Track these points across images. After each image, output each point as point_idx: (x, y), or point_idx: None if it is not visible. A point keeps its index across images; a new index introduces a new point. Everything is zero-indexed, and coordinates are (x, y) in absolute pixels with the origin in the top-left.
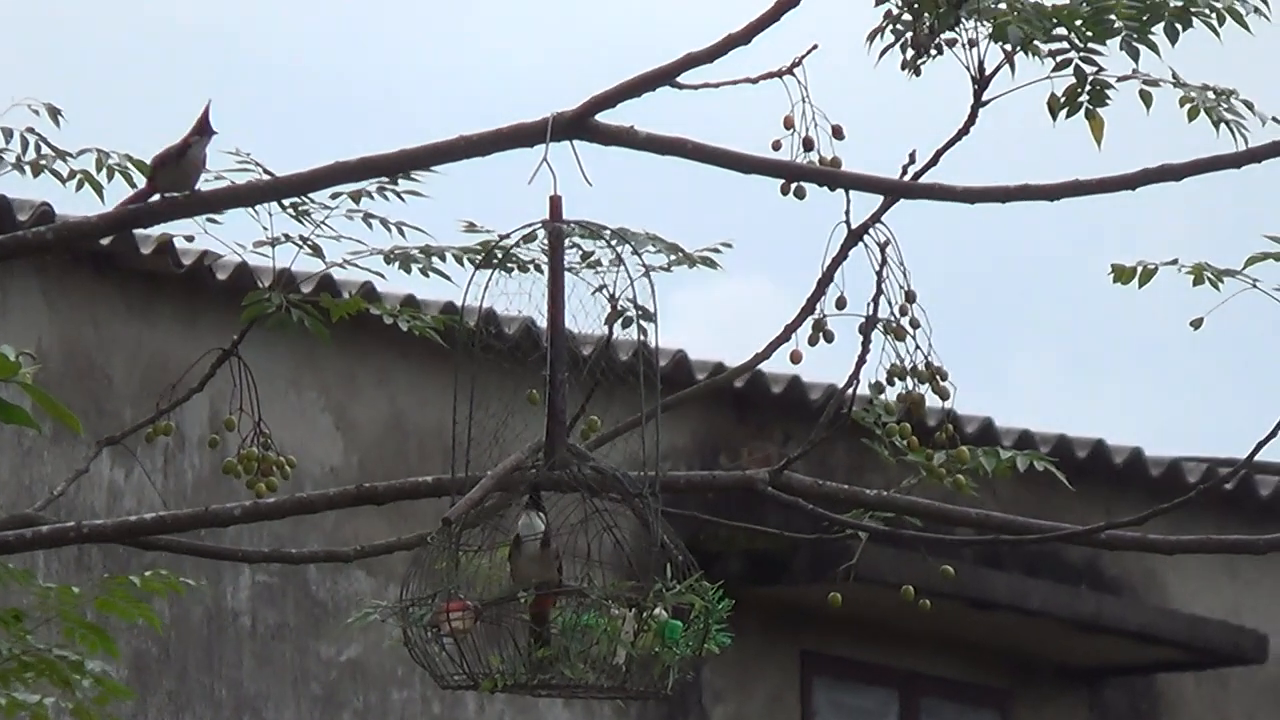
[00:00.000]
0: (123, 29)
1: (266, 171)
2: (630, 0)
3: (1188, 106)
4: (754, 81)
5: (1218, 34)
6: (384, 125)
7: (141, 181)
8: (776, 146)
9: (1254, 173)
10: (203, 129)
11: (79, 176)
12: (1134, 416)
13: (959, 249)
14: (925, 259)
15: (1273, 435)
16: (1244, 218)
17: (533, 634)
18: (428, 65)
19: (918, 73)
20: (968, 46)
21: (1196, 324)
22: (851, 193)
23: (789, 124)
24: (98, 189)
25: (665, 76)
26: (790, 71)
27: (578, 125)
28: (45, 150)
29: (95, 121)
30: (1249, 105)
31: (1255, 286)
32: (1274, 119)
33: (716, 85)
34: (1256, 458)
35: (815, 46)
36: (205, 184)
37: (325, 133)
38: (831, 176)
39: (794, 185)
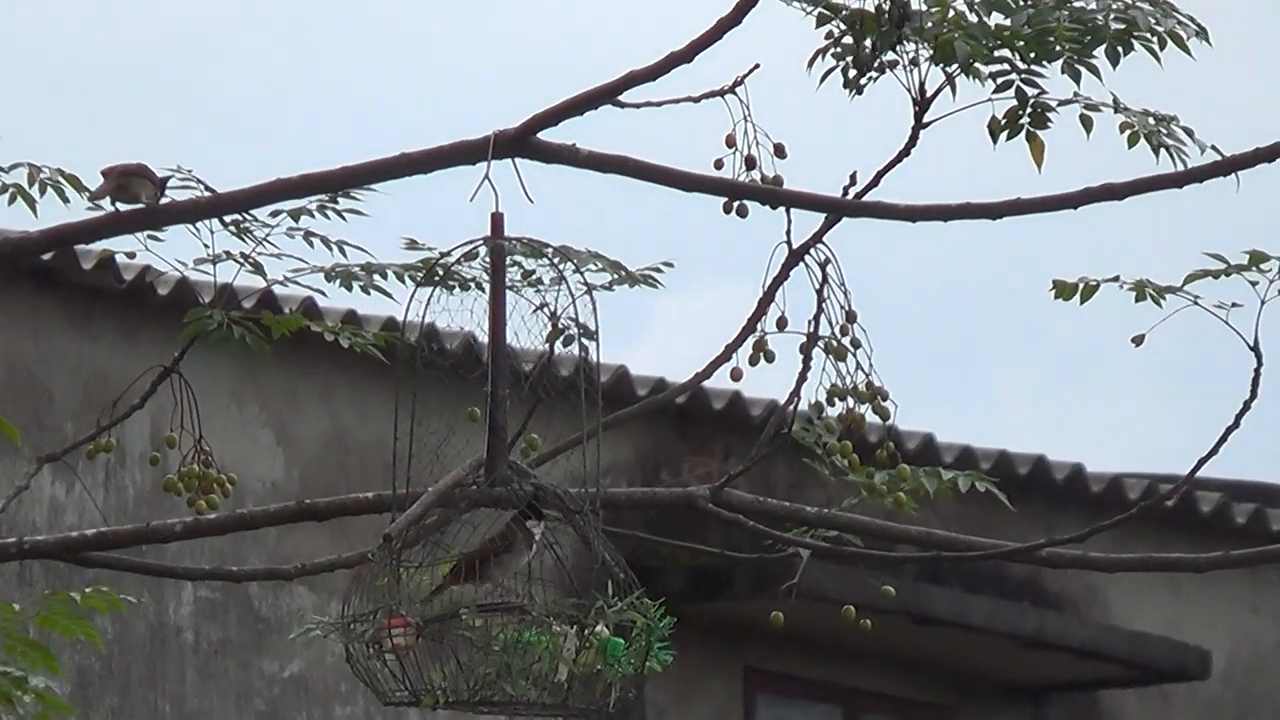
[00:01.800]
0: (69, 43)
1: (208, 188)
2: (573, 19)
3: (1128, 132)
4: (696, 100)
5: (1158, 58)
6: (328, 142)
7: (74, 196)
8: (719, 165)
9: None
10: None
11: (11, 190)
12: (1075, 433)
13: (900, 270)
14: (867, 279)
15: (1213, 453)
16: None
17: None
18: (372, 83)
19: (860, 91)
20: (909, 68)
21: (1138, 340)
22: (795, 212)
23: (731, 142)
24: (30, 203)
25: (607, 95)
26: (732, 90)
27: (519, 143)
28: None
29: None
30: (1189, 132)
31: (1196, 303)
32: (1213, 147)
33: (659, 104)
34: (1197, 474)
35: (757, 65)
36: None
37: (272, 150)
38: (773, 195)
39: (736, 204)
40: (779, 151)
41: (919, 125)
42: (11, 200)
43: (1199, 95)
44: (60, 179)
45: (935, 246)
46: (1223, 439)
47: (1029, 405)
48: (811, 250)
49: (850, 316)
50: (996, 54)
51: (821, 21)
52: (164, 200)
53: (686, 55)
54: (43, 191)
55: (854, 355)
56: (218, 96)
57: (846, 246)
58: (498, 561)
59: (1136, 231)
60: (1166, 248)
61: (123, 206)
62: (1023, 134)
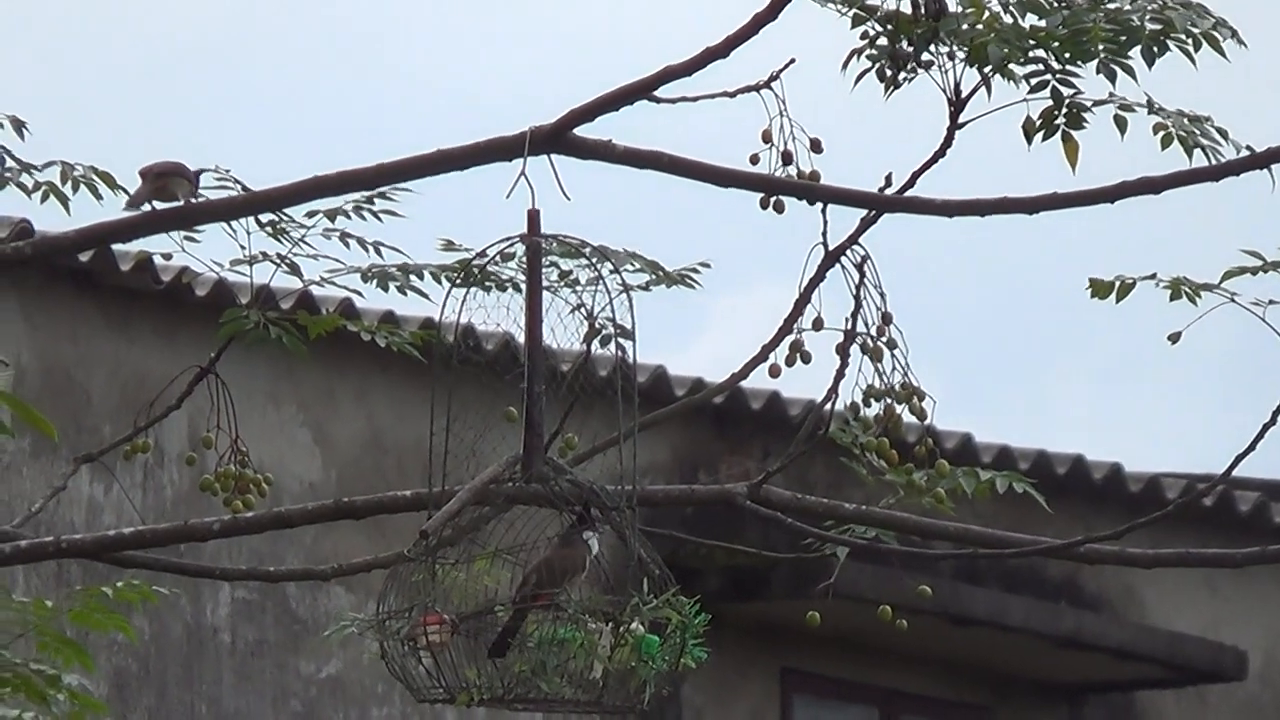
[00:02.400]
0: (105, 44)
1: (244, 187)
2: (609, 15)
3: (1161, 134)
4: (731, 95)
5: (1193, 60)
6: (364, 141)
7: (107, 194)
8: (755, 160)
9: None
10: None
11: (44, 189)
12: (1113, 433)
13: (937, 271)
14: (903, 280)
15: (1250, 450)
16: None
17: (506, 631)
18: (408, 81)
19: (897, 87)
20: (944, 68)
21: (1174, 338)
22: (831, 212)
23: (767, 138)
24: (64, 201)
25: (643, 90)
26: (768, 85)
27: (555, 139)
28: (10, 163)
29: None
30: (1223, 133)
31: (1233, 301)
32: (1247, 147)
33: (694, 99)
34: (1235, 473)
35: (793, 60)
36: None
37: (305, 149)
38: (809, 190)
39: (773, 199)
40: (815, 147)
41: (954, 126)
42: (45, 198)
43: (1231, 96)
44: (94, 176)
45: (972, 247)
46: (1259, 436)
47: (1067, 405)
48: (848, 251)
49: (886, 317)
50: (1031, 54)
51: (857, 22)
52: (199, 197)
53: (722, 51)
54: (75, 189)
55: (890, 355)
56: (248, 95)
57: (882, 247)
58: (571, 581)
59: (1174, 229)
60: (1205, 245)
61: (160, 205)
62: (1058, 135)
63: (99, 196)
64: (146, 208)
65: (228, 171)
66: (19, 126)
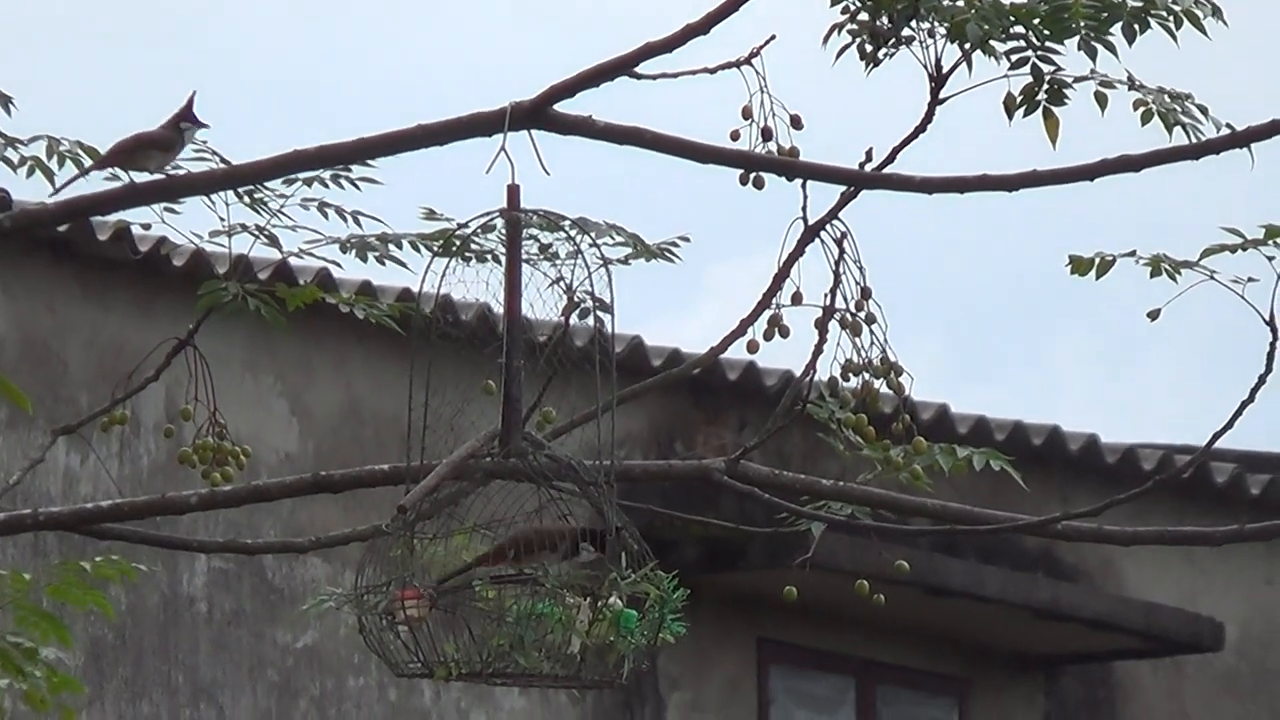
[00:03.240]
0: (82, 17)
1: (223, 160)
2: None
3: (1141, 110)
4: (712, 72)
5: (1174, 37)
6: (344, 115)
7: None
8: (735, 137)
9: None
10: (188, 118)
11: (30, 163)
12: (1089, 403)
13: (917, 241)
14: (883, 255)
15: (1228, 426)
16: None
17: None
18: (388, 56)
19: (877, 64)
20: (924, 45)
21: (1154, 315)
22: (812, 187)
23: (747, 114)
24: (49, 176)
25: (624, 66)
26: (748, 62)
27: (536, 115)
28: None
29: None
30: (1204, 110)
31: (1212, 278)
32: (1227, 124)
33: (675, 75)
34: (1212, 446)
35: (773, 37)
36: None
37: (286, 122)
38: (789, 166)
39: (752, 175)
40: (795, 123)
41: (935, 102)
42: (30, 173)
43: (1213, 72)
44: (79, 151)
45: (950, 223)
46: (1237, 413)
47: (1044, 377)
48: (828, 226)
49: (865, 292)
50: (1012, 31)
51: (835, 1)
52: (197, 129)
53: (703, 27)
54: (61, 164)
55: (869, 330)
56: (232, 69)
57: (861, 223)
58: (539, 555)
59: (1154, 208)
60: (1185, 224)
61: (138, 177)
62: (1038, 111)
63: (86, 173)
64: (124, 179)
65: (205, 144)
66: (4, 102)
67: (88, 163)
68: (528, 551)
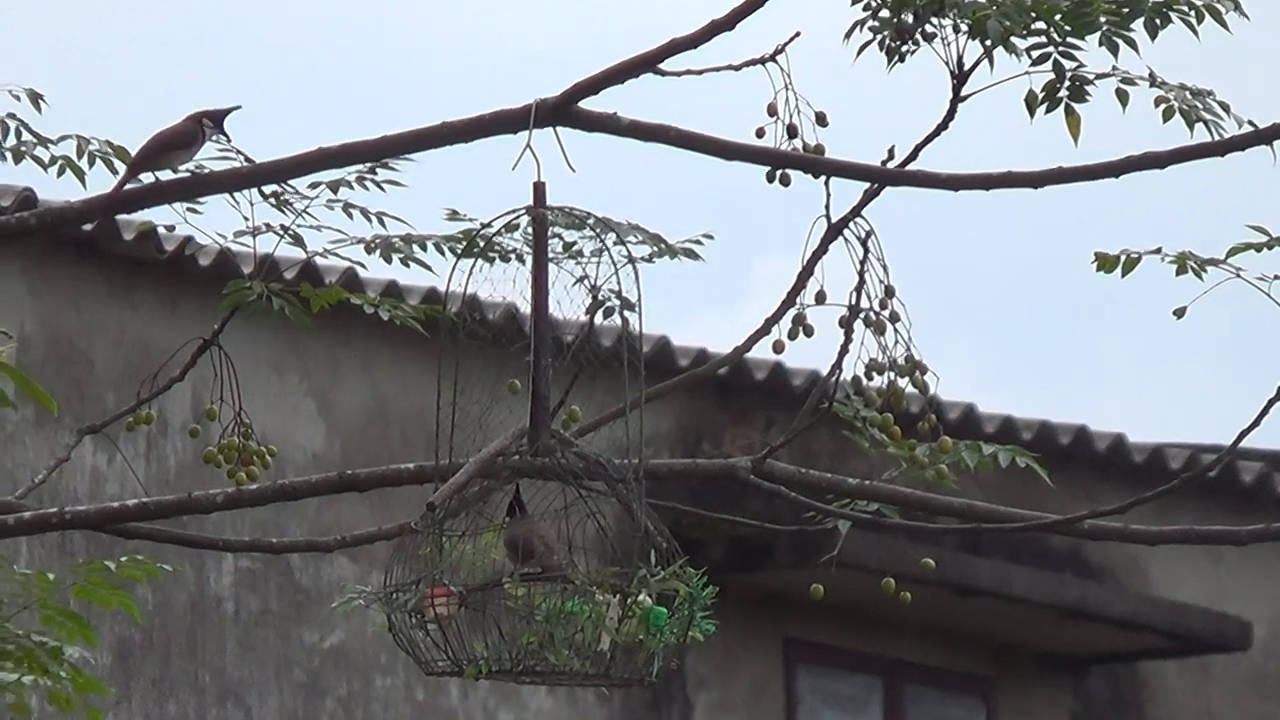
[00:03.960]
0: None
1: (248, 159)
2: None
3: (1163, 107)
4: (737, 68)
5: (1196, 32)
6: (368, 111)
7: (121, 168)
8: (760, 133)
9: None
10: (216, 120)
11: (60, 162)
12: (1117, 403)
13: (942, 240)
14: (908, 249)
15: (1255, 424)
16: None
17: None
18: (414, 51)
19: (902, 59)
20: (946, 42)
21: (1180, 313)
22: (835, 184)
23: (772, 111)
24: (79, 175)
25: (649, 63)
26: (773, 58)
27: (561, 112)
28: (26, 136)
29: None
30: (1225, 106)
31: (1239, 276)
32: (1249, 121)
33: (700, 72)
34: (1239, 444)
35: (798, 33)
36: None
37: (310, 118)
38: (814, 163)
39: (779, 173)
40: (821, 120)
41: (957, 98)
42: (60, 172)
43: (1233, 68)
44: (109, 150)
45: (980, 218)
46: (1265, 410)
47: (1072, 375)
48: (852, 224)
49: (889, 290)
50: (1033, 27)
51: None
52: (217, 138)
53: (729, 23)
54: (91, 163)
55: (893, 329)
56: (254, 66)
57: (890, 221)
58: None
59: (1180, 204)
60: (1211, 220)
61: (163, 176)
62: (1060, 107)
63: (114, 171)
64: (149, 179)
65: (229, 142)
66: (35, 99)
67: (117, 162)
68: (530, 552)
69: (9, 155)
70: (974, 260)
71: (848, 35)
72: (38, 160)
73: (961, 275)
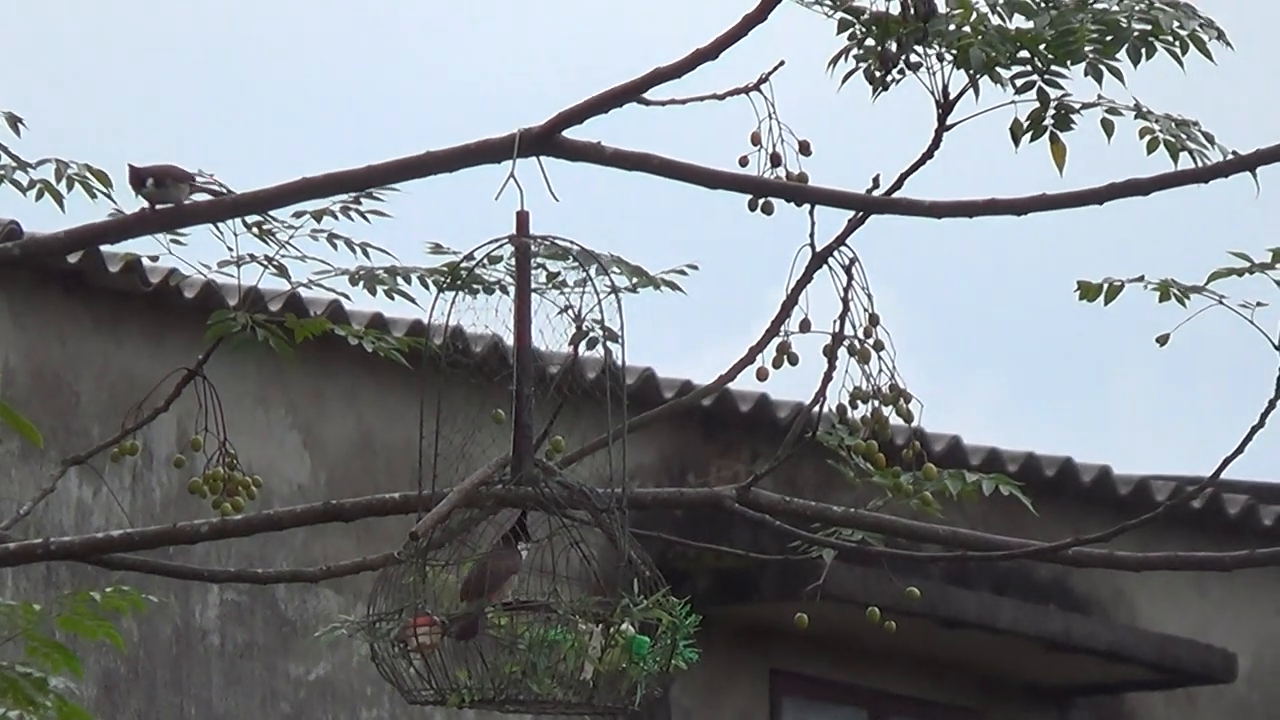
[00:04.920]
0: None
1: (228, 190)
2: (598, 16)
3: (1147, 138)
4: (720, 98)
5: (1180, 62)
6: (348, 143)
7: (101, 193)
8: (744, 162)
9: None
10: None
11: (39, 186)
12: (1102, 435)
13: (926, 269)
14: (891, 278)
15: (1238, 452)
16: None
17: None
18: (395, 82)
19: (886, 88)
20: (931, 71)
21: (1163, 340)
22: (819, 213)
23: (756, 140)
24: (58, 199)
25: (633, 92)
26: (757, 88)
27: (545, 141)
28: (5, 160)
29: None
30: (1209, 137)
31: (1221, 303)
32: (1233, 152)
33: (684, 101)
34: (1224, 476)
35: (782, 63)
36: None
37: (293, 147)
38: (798, 192)
39: (762, 201)
40: (804, 149)
41: (942, 127)
42: (39, 196)
43: (1217, 95)
44: (88, 175)
45: (961, 247)
46: (1247, 439)
47: (1055, 407)
48: (836, 252)
49: (874, 319)
50: (1018, 56)
51: (843, 27)
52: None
53: (712, 52)
54: (70, 188)
55: (878, 357)
56: (237, 95)
57: (872, 248)
58: (504, 585)
59: (1161, 232)
60: (1191, 248)
61: (154, 205)
62: (1045, 136)
63: (93, 195)
64: (143, 206)
65: (212, 176)
66: (14, 123)
67: (96, 185)
68: (492, 587)
69: None
70: (958, 289)
71: (832, 63)
72: (16, 184)
73: (942, 304)
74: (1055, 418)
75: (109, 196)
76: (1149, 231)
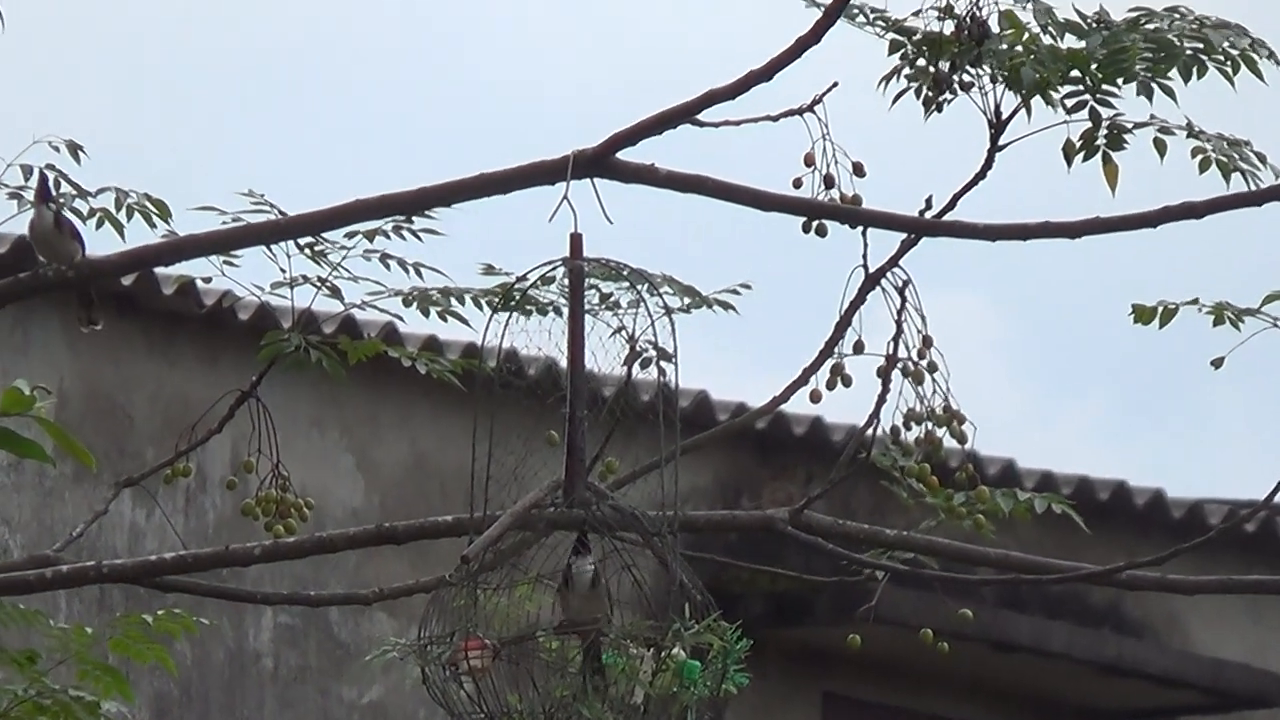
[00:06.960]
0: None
1: (281, 213)
2: (653, 36)
3: (1199, 157)
4: (774, 119)
5: (1231, 81)
6: (403, 161)
7: (160, 222)
8: (797, 184)
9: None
10: (42, 197)
11: (99, 215)
12: (1156, 459)
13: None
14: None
15: None
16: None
17: (591, 669)
18: (448, 98)
19: (940, 109)
20: (983, 91)
21: (1217, 364)
22: (872, 234)
23: (809, 161)
24: (118, 227)
25: (686, 113)
26: (811, 109)
27: (598, 163)
28: (65, 188)
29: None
30: (1262, 157)
31: (1276, 325)
32: None
33: (738, 123)
34: (1278, 499)
35: (836, 84)
36: (222, 224)
37: (346, 168)
38: (852, 214)
39: (815, 223)
40: (858, 170)
41: (994, 148)
42: (99, 225)
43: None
44: (147, 204)
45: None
46: None
47: (1109, 431)
48: (889, 274)
49: (927, 340)
50: (1070, 75)
51: (895, 48)
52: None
53: (766, 74)
54: (130, 216)
55: (931, 379)
56: (296, 119)
57: (923, 270)
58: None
59: (1215, 253)
60: (1244, 270)
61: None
62: (1097, 156)
63: (153, 225)
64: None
65: (262, 196)
66: (75, 150)
67: (154, 214)
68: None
69: (52, 208)
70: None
71: (884, 82)
72: (76, 212)
73: (988, 328)
74: (1110, 442)
75: (168, 224)
76: (1216, 249)
